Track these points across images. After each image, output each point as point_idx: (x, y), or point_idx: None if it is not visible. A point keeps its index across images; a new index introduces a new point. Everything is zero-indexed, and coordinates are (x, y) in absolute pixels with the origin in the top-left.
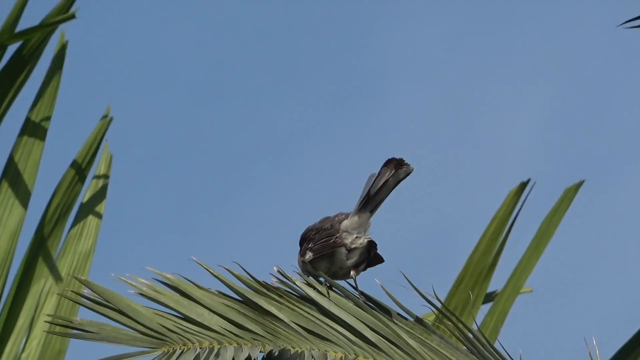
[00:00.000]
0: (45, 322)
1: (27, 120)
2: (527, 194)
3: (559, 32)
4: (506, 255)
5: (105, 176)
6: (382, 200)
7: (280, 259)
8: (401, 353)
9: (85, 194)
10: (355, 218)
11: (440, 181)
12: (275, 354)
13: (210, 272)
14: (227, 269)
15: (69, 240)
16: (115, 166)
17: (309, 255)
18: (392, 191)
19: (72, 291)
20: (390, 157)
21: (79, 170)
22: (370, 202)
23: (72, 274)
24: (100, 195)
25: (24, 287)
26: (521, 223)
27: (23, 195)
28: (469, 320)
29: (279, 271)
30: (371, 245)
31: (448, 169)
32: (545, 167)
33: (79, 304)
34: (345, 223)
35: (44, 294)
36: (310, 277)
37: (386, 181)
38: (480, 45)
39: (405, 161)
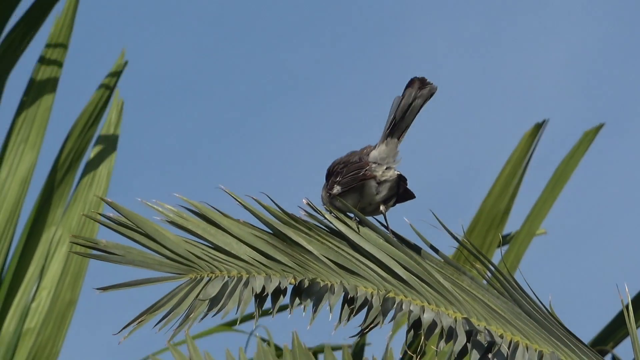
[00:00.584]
0: (70, 242)
1: (39, 65)
2: (540, 135)
3: None
4: (521, 199)
5: (116, 124)
6: (408, 126)
7: (308, 192)
8: (432, 292)
9: (95, 142)
10: (383, 147)
11: (464, 117)
12: (305, 286)
13: (238, 201)
14: (255, 199)
15: (80, 189)
16: (130, 109)
17: (337, 189)
18: (418, 114)
19: (98, 213)
20: (412, 77)
21: (91, 116)
22: (397, 127)
23: (83, 222)
24: (112, 142)
25: (34, 235)
26: (538, 165)
27: (34, 141)
28: (484, 270)
29: (308, 204)
30: (401, 179)
31: (472, 105)
32: (569, 108)
33: (105, 225)
34: (374, 154)
35: (55, 242)
36: (337, 212)
37: (411, 103)
38: None
39: (428, 80)
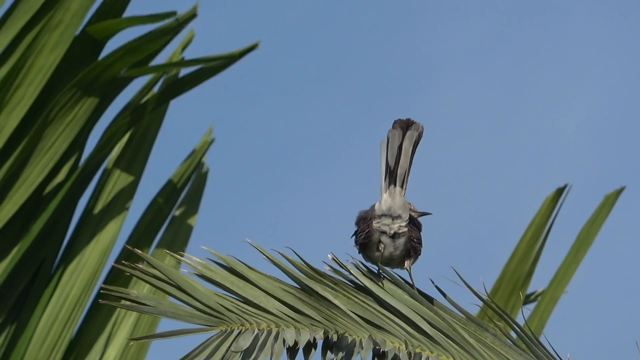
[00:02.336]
0: (102, 292)
1: (128, 142)
2: (563, 200)
3: (614, 27)
4: (544, 262)
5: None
6: (406, 170)
7: (334, 248)
8: (458, 348)
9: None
10: (387, 197)
11: (485, 180)
12: (334, 341)
13: (265, 255)
14: (282, 254)
15: (156, 253)
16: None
17: (357, 246)
18: (413, 157)
19: (128, 264)
20: (397, 119)
21: (173, 192)
22: (393, 174)
23: (153, 290)
24: (189, 216)
25: (104, 305)
26: (560, 229)
27: (118, 212)
28: (507, 329)
29: (333, 259)
30: (412, 229)
31: (493, 168)
32: (589, 170)
33: (136, 277)
34: (379, 207)
35: (125, 311)
36: (364, 265)
37: (400, 146)
38: (528, 39)
39: (412, 119)
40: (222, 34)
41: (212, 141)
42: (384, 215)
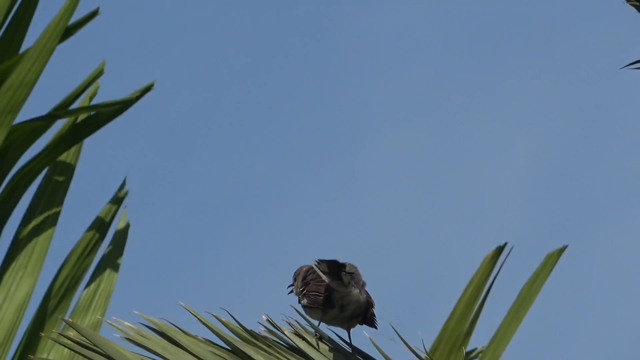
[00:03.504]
0: None
1: (41, 195)
2: (505, 259)
3: (548, 74)
4: (483, 322)
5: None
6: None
7: (267, 307)
8: None
9: (95, 269)
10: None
11: (422, 234)
12: None
13: (197, 318)
14: (215, 316)
15: (76, 313)
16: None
17: (304, 301)
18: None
19: (58, 333)
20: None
21: (88, 245)
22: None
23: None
24: (113, 267)
25: None
26: (501, 287)
27: (32, 268)
28: None
29: (267, 320)
30: (369, 305)
31: (429, 221)
32: (529, 222)
33: (65, 346)
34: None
35: None
36: (299, 324)
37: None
38: (464, 90)
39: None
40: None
41: (126, 194)
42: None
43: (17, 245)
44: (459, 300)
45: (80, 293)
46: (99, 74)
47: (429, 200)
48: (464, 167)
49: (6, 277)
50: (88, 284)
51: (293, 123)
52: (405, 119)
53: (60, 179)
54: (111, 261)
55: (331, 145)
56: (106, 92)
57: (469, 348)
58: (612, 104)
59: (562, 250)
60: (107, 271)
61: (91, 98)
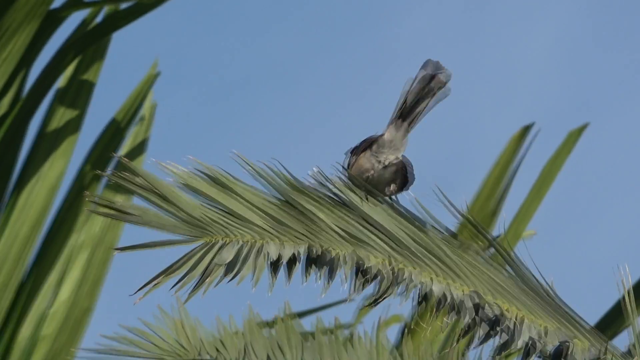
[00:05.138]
0: (87, 200)
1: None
2: (532, 139)
3: None
4: (510, 201)
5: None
6: (419, 114)
7: (319, 161)
8: (440, 264)
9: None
10: (391, 128)
11: (450, 109)
12: (318, 255)
13: (250, 166)
14: (267, 165)
15: (105, 194)
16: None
17: (348, 163)
18: (433, 103)
19: (113, 172)
20: (428, 59)
21: (120, 124)
22: (405, 112)
23: (105, 228)
24: (141, 146)
25: (56, 241)
26: (526, 167)
27: (65, 148)
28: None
29: (318, 172)
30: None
31: (456, 97)
32: (554, 99)
33: (123, 186)
34: (384, 137)
35: (77, 249)
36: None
37: (424, 88)
38: None
39: (441, 65)
40: None
41: (157, 74)
42: (383, 144)
43: (48, 126)
44: (486, 180)
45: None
46: None
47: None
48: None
49: (38, 157)
50: (117, 165)
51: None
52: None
53: (92, 63)
54: (139, 140)
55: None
56: None
57: (495, 229)
58: None
59: (582, 128)
60: (135, 152)
61: None
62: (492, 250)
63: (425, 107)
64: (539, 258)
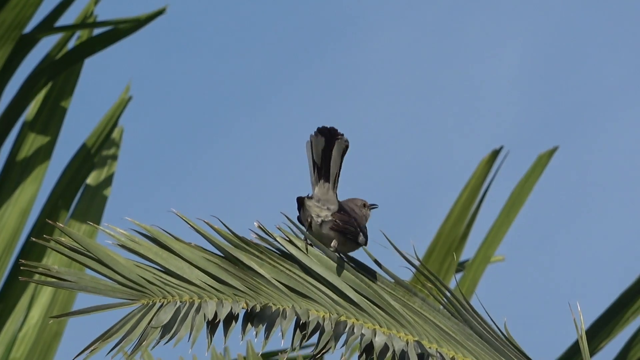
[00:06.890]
0: (22, 268)
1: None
2: (500, 163)
3: None
4: (480, 224)
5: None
6: (337, 174)
7: (260, 215)
8: (383, 314)
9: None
10: (317, 190)
11: (418, 132)
12: (257, 311)
13: (190, 224)
14: (207, 223)
15: (74, 220)
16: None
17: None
18: (341, 163)
19: (47, 237)
20: (320, 127)
21: (91, 149)
22: (322, 171)
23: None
24: (109, 175)
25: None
26: (495, 190)
27: (36, 173)
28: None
29: (259, 226)
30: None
31: (423, 120)
32: (522, 121)
33: (57, 251)
34: (314, 192)
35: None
36: (291, 229)
37: (325, 150)
38: None
39: (335, 129)
40: None
41: (129, 99)
42: (316, 201)
43: (19, 153)
44: (455, 204)
45: (77, 202)
46: None
47: (422, 96)
48: (460, 62)
49: (9, 181)
50: (83, 193)
51: (291, 18)
52: (401, 16)
53: (65, 88)
54: (106, 170)
55: (325, 43)
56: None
57: (465, 252)
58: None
59: (552, 151)
60: (102, 180)
61: (96, 2)
62: (448, 294)
63: (339, 168)
64: (506, 284)
